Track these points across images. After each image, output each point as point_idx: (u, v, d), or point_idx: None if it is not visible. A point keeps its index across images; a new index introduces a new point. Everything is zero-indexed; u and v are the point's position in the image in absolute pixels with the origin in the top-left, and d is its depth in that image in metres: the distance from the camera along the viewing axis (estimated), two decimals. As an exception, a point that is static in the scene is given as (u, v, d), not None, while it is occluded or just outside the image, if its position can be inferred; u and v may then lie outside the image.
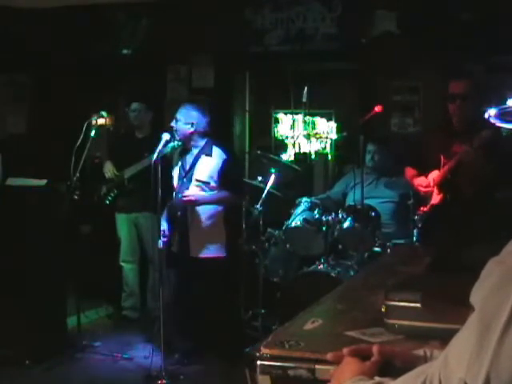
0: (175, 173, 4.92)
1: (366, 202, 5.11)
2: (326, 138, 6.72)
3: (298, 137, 6.66)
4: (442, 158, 4.33)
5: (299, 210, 5.30)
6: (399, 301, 1.85)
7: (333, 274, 4.87)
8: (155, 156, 4.44)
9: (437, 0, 5.94)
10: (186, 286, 4.85)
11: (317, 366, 1.65)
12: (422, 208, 4.54)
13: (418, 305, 1.82)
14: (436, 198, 4.39)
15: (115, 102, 6.89)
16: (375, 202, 5.38)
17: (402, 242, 5.08)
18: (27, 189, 4.95)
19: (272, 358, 1.72)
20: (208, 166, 4.77)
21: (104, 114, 5.42)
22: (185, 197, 4.70)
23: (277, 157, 5.70)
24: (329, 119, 6.78)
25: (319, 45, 6.34)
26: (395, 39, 6.03)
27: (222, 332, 4.76)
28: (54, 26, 6.93)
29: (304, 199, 5.42)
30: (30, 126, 7.29)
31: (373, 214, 5.15)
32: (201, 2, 6.61)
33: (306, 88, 5.93)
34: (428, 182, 4.40)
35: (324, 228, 5.18)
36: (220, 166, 4.76)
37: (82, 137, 5.02)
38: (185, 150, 4.90)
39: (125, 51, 6.93)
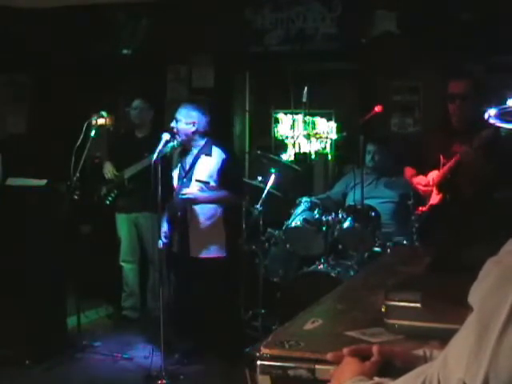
0: (175, 173, 4.92)
1: (366, 202, 5.11)
2: (326, 138, 6.72)
3: (298, 137, 6.66)
4: (441, 157, 4.33)
5: (299, 209, 5.30)
6: (399, 301, 1.85)
7: (333, 274, 4.87)
8: (155, 156, 4.44)
9: (437, 0, 5.94)
10: (186, 286, 4.85)
11: (317, 366, 1.65)
12: (420, 208, 4.54)
13: (418, 305, 1.82)
14: (435, 198, 4.39)
15: (115, 102, 6.89)
16: (375, 202, 5.38)
17: (402, 242, 5.08)
18: (27, 189, 4.95)
19: (272, 357, 1.72)
20: (208, 165, 4.77)
21: (104, 114, 5.42)
22: (184, 195, 4.70)
23: (277, 157, 5.70)
24: (329, 119, 6.78)
25: (319, 45, 6.34)
26: (395, 39, 6.03)
27: (221, 332, 4.76)
28: (54, 26, 6.93)
29: (304, 199, 5.42)
30: (30, 126, 7.29)
31: (373, 214, 5.15)
32: (201, 2, 6.61)
33: (305, 88, 5.93)
34: (427, 180, 4.40)
35: (324, 228, 5.18)
36: (220, 165, 4.76)
37: (81, 137, 5.02)
38: (185, 150, 4.90)
39: (125, 51, 6.93)
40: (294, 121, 6.71)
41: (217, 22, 6.54)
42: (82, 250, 5.16)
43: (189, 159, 4.85)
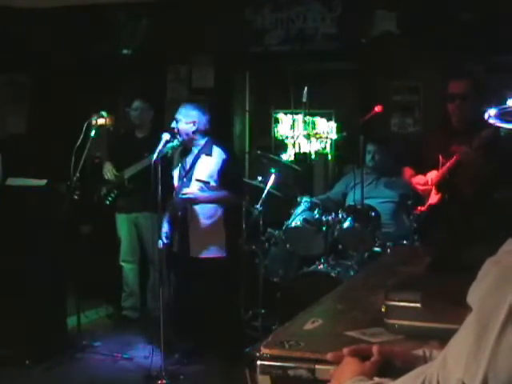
0: (175, 173, 4.92)
1: (366, 202, 5.11)
2: (326, 138, 6.72)
3: (298, 137, 6.66)
4: (440, 157, 4.33)
5: (299, 209, 5.30)
6: (399, 301, 1.85)
7: (333, 274, 4.87)
8: (155, 156, 4.44)
9: (437, 0, 5.94)
10: (186, 286, 4.85)
11: (317, 366, 1.65)
12: (419, 208, 4.54)
13: (418, 305, 1.82)
14: (434, 198, 4.39)
15: (115, 102, 6.89)
16: (375, 202, 5.38)
17: (402, 241, 5.08)
18: (27, 189, 4.95)
19: (272, 357, 1.72)
20: (208, 165, 4.77)
21: (104, 114, 5.42)
22: (184, 194, 4.70)
23: (277, 157, 5.70)
24: (329, 119, 6.78)
25: (319, 45, 6.34)
26: (395, 39, 6.03)
27: (221, 332, 4.76)
28: (54, 25, 6.93)
29: (304, 199, 5.41)
30: (30, 126, 7.29)
31: (373, 214, 5.15)
32: (201, 2, 6.61)
33: (305, 88, 5.93)
34: (426, 180, 4.40)
35: (324, 228, 5.18)
36: (220, 165, 4.76)
37: (81, 137, 5.02)
38: (185, 149, 4.90)
39: (125, 51, 6.93)
40: (293, 121, 6.71)
41: (217, 21, 6.55)
42: (82, 249, 5.16)
43: (189, 159, 4.85)
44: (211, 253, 4.75)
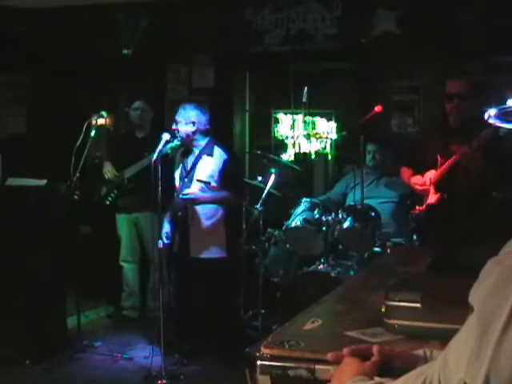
0: (177, 173, 4.92)
1: (366, 202, 5.11)
2: (326, 138, 6.71)
3: (298, 137, 6.66)
4: (438, 157, 4.33)
5: (299, 209, 5.30)
6: (399, 301, 1.85)
7: (333, 274, 4.87)
8: (155, 156, 4.44)
9: (437, 0, 5.94)
10: (187, 286, 4.85)
11: (317, 366, 1.65)
12: (417, 207, 4.54)
13: (418, 305, 1.82)
14: (432, 198, 4.39)
15: (115, 102, 6.89)
16: (375, 202, 5.38)
17: (402, 241, 5.08)
18: (27, 189, 4.95)
19: (272, 357, 1.72)
20: (209, 165, 4.77)
21: (104, 114, 5.42)
22: (185, 195, 4.70)
23: (277, 157, 5.70)
24: (329, 119, 6.78)
25: (319, 45, 6.34)
26: (395, 39, 6.03)
27: (221, 332, 4.76)
28: (54, 26, 6.93)
29: (304, 199, 5.41)
30: (30, 126, 7.29)
31: (373, 214, 5.15)
32: (201, 2, 6.61)
33: (305, 88, 5.93)
34: (424, 180, 4.41)
35: (324, 228, 5.18)
36: (221, 165, 4.76)
37: (81, 137, 5.02)
38: (187, 150, 4.91)
39: (125, 51, 6.92)
40: (293, 121, 6.71)
41: (217, 22, 6.54)
42: (82, 249, 5.16)
43: (190, 159, 4.86)
44: (212, 253, 4.75)
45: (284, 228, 5.30)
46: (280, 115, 6.90)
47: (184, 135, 4.76)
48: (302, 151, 6.70)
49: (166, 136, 4.59)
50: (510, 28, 5.43)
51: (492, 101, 4.84)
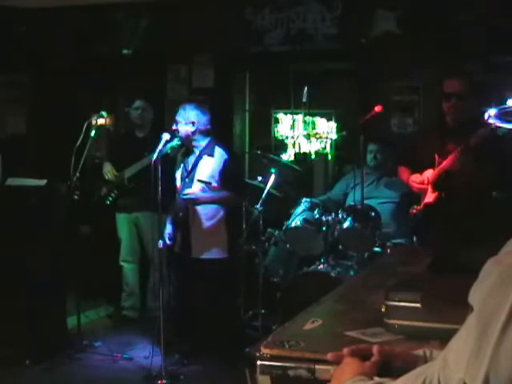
0: (178, 174, 4.92)
1: (367, 202, 5.11)
2: (326, 138, 6.71)
3: (298, 137, 6.66)
4: (436, 156, 4.34)
5: (299, 209, 5.30)
6: (399, 301, 1.85)
7: (333, 274, 4.87)
8: (155, 156, 4.44)
9: (437, 0, 5.94)
10: (187, 286, 4.85)
11: (317, 366, 1.65)
12: (415, 207, 4.54)
13: (418, 305, 1.82)
14: (430, 197, 4.39)
15: (115, 102, 6.89)
16: (375, 202, 5.38)
17: (401, 241, 5.08)
18: (27, 189, 4.95)
19: (272, 357, 1.72)
20: (210, 166, 4.77)
21: (104, 114, 5.42)
22: (185, 195, 4.70)
23: (277, 157, 5.70)
24: (329, 119, 6.78)
25: (319, 45, 6.34)
26: (395, 39, 6.03)
27: (221, 332, 4.76)
28: (54, 26, 6.93)
29: (304, 199, 5.41)
30: (30, 126, 7.29)
31: (373, 214, 5.15)
32: (201, 2, 6.61)
33: (305, 88, 5.93)
34: (422, 178, 4.41)
35: (324, 228, 5.18)
36: (221, 166, 4.76)
37: (81, 137, 5.02)
38: (188, 150, 4.91)
39: (125, 51, 6.92)
40: (293, 121, 6.71)
41: (217, 22, 6.54)
42: (82, 250, 5.16)
43: (191, 159, 4.86)
44: (213, 254, 4.74)
45: (284, 228, 5.30)
46: (280, 115, 6.90)
47: (184, 135, 4.76)
48: (301, 151, 6.70)
49: (165, 136, 4.59)
50: (510, 28, 5.43)
51: (492, 101, 4.84)
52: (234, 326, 4.98)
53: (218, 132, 5.10)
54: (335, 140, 6.75)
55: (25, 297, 4.77)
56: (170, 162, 4.92)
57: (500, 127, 3.32)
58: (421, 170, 4.44)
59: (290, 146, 6.76)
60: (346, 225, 5.07)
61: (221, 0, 6.61)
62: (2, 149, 5.77)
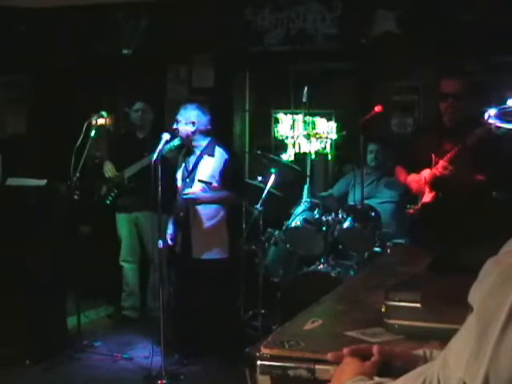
0: (179, 174, 4.92)
1: (367, 202, 5.11)
2: (326, 138, 6.71)
3: (298, 137, 6.65)
4: (433, 156, 4.34)
5: (299, 209, 5.30)
6: (399, 301, 1.85)
7: (333, 274, 4.87)
8: (155, 156, 4.45)
9: (437, 0, 5.94)
10: (187, 286, 4.85)
11: (317, 366, 1.65)
12: (412, 206, 4.54)
13: (418, 305, 1.82)
14: (428, 196, 4.39)
15: (115, 102, 6.89)
16: (375, 202, 5.38)
17: (401, 241, 5.08)
18: (27, 189, 4.95)
19: (272, 357, 1.72)
20: (210, 166, 4.77)
21: (104, 114, 5.42)
22: (186, 195, 4.70)
23: (277, 157, 5.70)
24: (329, 119, 6.78)
25: (319, 45, 6.34)
26: (395, 39, 6.03)
27: (221, 332, 4.76)
28: (54, 26, 6.93)
29: (304, 199, 5.41)
30: (30, 126, 7.29)
31: (373, 214, 5.15)
32: (201, 2, 6.61)
33: (305, 88, 5.93)
34: (420, 178, 4.41)
35: (324, 228, 5.18)
36: (222, 166, 4.76)
37: (81, 137, 5.02)
38: (189, 151, 4.91)
39: (125, 51, 6.92)
40: (293, 121, 6.70)
41: (217, 22, 6.54)
42: (82, 250, 5.16)
43: (192, 160, 4.86)
44: (214, 254, 4.74)
45: (284, 228, 5.30)
46: (280, 115, 6.90)
47: (184, 135, 4.76)
48: (302, 151, 6.69)
49: (165, 136, 4.60)
50: (510, 28, 5.43)
51: (492, 101, 4.85)
52: (234, 325, 4.98)
53: (218, 132, 5.10)
54: (335, 140, 6.75)
55: (25, 297, 4.77)
56: (169, 161, 4.92)
57: (500, 127, 3.33)
58: (418, 170, 4.45)
59: (290, 146, 6.75)
60: (346, 225, 5.07)
61: (221, 0, 6.61)
62: (1, 149, 5.77)
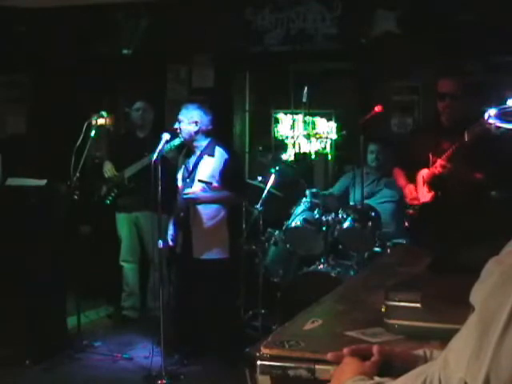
0: (179, 174, 4.92)
1: (367, 201, 5.11)
2: (326, 138, 6.72)
3: (298, 137, 6.66)
4: (430, 156, 4.34)
5: (299, 209, 5.30)
6: (399, 301, 1.85)
7: (333, 274, 4.87)
8: (155, 156, 4.44)
9: (437, 0, 5.94)
10: (187, 286, 4.85)
11: (317, 366, 1.65)
12: (413, 206, 4.54)
13: (418, 305, 1.82)
14: (426, 196, 4.39)
15: (115, 102, 6.89)
16: (375, 201, 5.38)
17: (402, 241, 5.08)
18: (27, 189, 4.95)
19: (272, 357, 1.72)
20: (210, 166, 4.76)
21: (104, 114, 5.42)
22: (186, 195, 4.71)
23: (277, 157, 5.70)
24: (329, 119, 6.78)
25: (319, 45, 6.34)
26: (395, 39, 6.03)
27: (221, 332, 4.76)
28: (54, 26, 6.93)
29: (304, 199, 5.40)
30: (30, 126, 7.29)
31: (373, 213, 5.15)
32: (201, 2, 6.61)
33: (305, 88, 5.93)
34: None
35: (324, 228, 5.18)
36: (222, 166, 4.76)
37: (82, 137, 5.02)
38: (189, 151, 4.91)
39: (125, 51, 6.92)
40: (293, 121, 6.71)
41: (217, 22, 6.54)
42: (82, 249, 5.16)
43: (192, 160, 4.86)
44: (214, 254, 4.74)
45: (284, 228, 5.30)
46: (280, 115, 6.91)
47: (186, 135, 4.76)
48: (302, 151, 6.70)
49: (166, 136, 4.59)
50: (510, 28, 5.43)
51: (492, 101, 4.85)
52: (234, 325, 4.98)
53: (218, 132, 5.10)
54: (335, 140, 6.76)
55: (25, 297, 4.77)
56: (169, 161, 4.92)
57: (500, 127, 3.33)
58: (416, 170, 4.45)
59: (290, 146, 6.76)
60: (346, 225, 5.08)
61: (221, 0, 6.61)
62: (2, 149, 5.77)
